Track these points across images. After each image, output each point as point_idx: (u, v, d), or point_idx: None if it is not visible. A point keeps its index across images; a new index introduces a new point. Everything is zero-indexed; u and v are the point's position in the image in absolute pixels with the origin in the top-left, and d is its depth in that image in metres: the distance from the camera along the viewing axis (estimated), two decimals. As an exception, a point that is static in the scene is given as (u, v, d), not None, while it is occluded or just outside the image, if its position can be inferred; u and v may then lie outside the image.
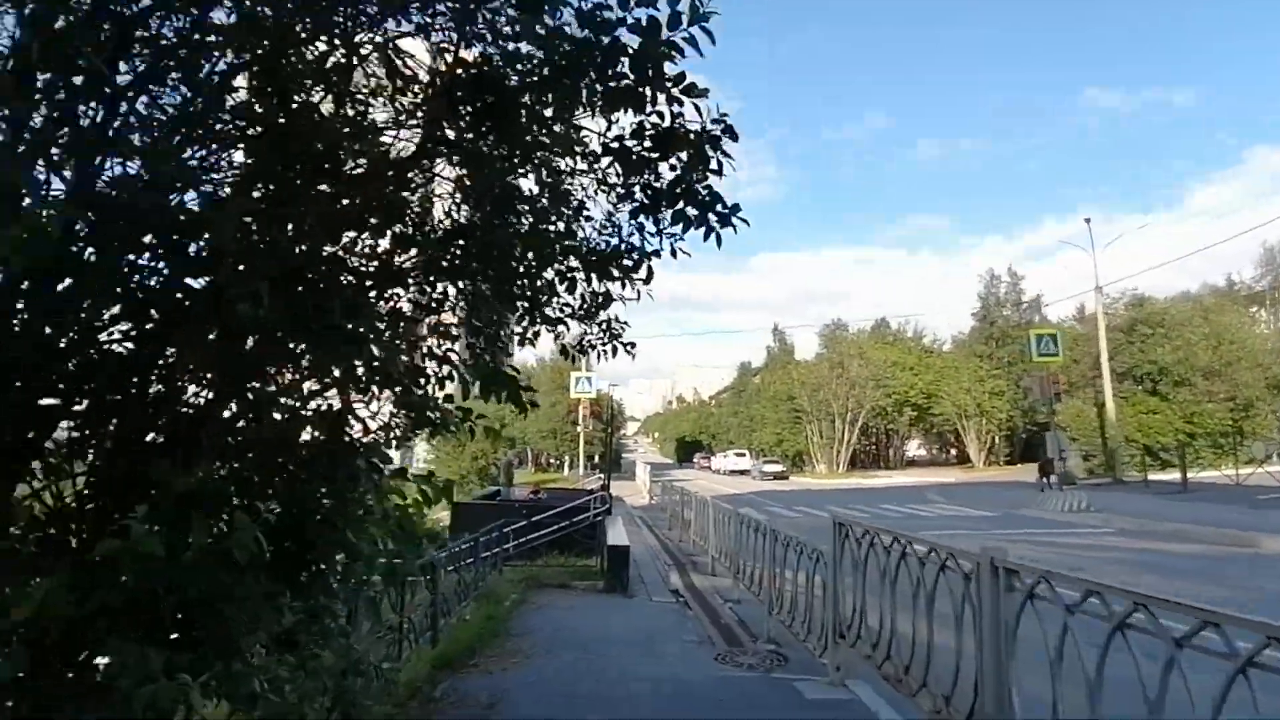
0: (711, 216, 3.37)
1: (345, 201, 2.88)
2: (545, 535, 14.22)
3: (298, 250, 2.46)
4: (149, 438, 2.81)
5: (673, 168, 3.24)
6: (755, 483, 46.51)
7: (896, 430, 61.35)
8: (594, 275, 4.10)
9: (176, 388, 2.75)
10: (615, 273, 3.87)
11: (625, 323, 5.58)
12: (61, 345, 2.43)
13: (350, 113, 3.59)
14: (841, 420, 57.08)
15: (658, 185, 3.35)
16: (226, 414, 2.79)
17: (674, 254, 3.98)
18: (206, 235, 2.21)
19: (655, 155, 3.21)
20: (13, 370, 2.34)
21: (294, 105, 2.85)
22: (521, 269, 4.18)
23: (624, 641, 7.98)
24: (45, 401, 2.52)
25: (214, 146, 2.72)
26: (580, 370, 37.23)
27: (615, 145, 3.28)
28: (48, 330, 2.35)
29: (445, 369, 4.09)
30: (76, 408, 2.58)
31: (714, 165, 3.26)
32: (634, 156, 3.17)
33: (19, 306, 2.26)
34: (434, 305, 4.12)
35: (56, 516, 2.64)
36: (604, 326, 5.54)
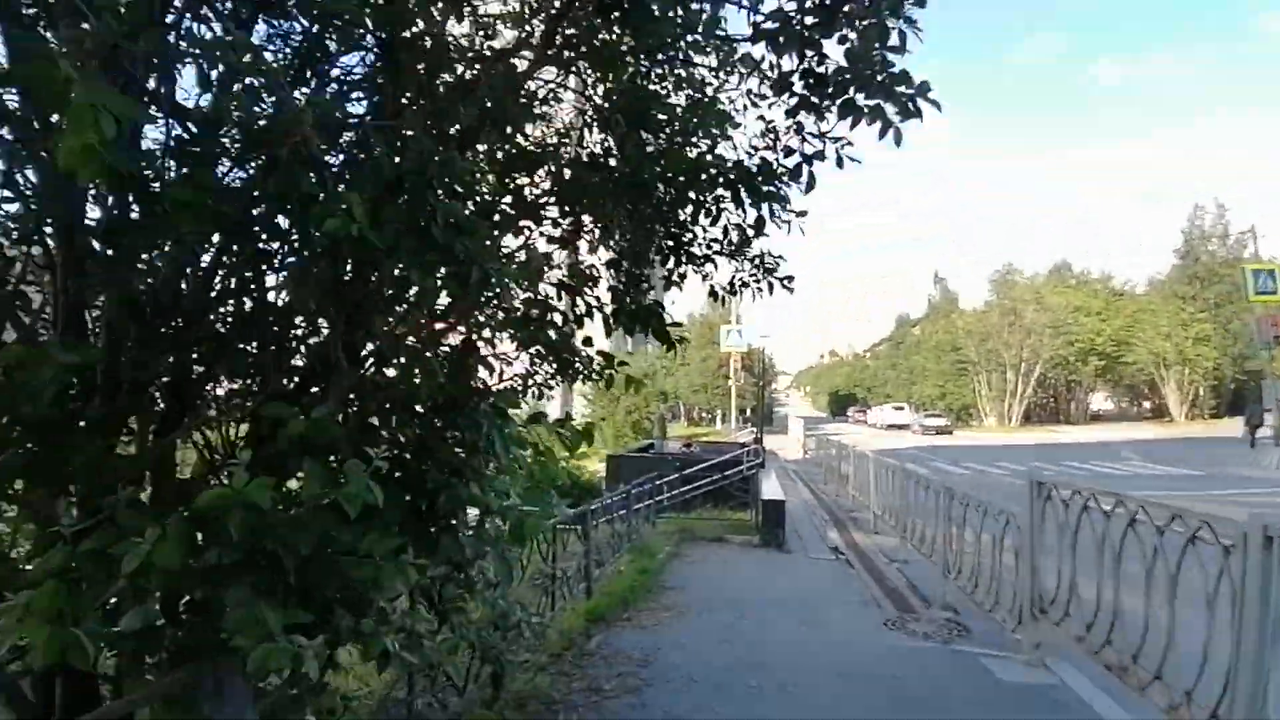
0: (889, 107, 2.70)
1: (457, 111, 2.53)
2: (698, 488, 13.97)
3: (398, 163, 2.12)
4: (281, 383, 2.66)
5: (843, 40, 2.61)
6: (916, 437, 44.16)
7: (1079, 381, 56.00)
8: (744, 196, 3.56)
9: (293, 329, 2.56)
10: (768, 190, 3.31)
11: (780, 256, 5.01)
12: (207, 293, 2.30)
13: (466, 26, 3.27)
14: (1014, 371, 52.87)
15: (821, 71, 2.75)
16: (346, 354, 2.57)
17: (840, 162, 3.36)
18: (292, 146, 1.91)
19: (819, 31, 2.59)
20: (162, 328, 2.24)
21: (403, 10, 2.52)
22: (662, 192, 3.72)
23: (782, 600, 7.53)
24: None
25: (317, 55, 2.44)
26: (731, 323, 36.63)
27: (768, 25, 2.69)
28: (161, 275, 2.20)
29: (581, 305, 3.74)
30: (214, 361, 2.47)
31: (894, 40, 2.61)
32: (793, 27, 2.56)
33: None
34: (566, 238, 3.76)
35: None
36: (756, 262, 5.01)
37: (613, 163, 3.57)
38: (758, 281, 4.90)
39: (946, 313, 60.67)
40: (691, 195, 3.81)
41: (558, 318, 3.77)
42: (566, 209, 3.78)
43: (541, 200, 3.81)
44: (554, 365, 3.91)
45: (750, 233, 4.50)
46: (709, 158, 3.33)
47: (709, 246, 4.97)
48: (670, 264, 5.06)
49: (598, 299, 3.71)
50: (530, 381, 3.91)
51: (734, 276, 4.98)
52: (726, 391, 41.81)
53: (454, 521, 2.57)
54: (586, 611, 6.22)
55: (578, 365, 3.97)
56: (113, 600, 2.03)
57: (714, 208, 4.19)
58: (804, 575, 9.07)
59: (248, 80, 1.82)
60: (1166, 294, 51.38)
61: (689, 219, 4.76)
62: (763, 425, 24.36)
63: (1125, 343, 51.11)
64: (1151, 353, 49.33)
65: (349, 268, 2.25)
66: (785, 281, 4.92)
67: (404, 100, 2.53)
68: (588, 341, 3.86)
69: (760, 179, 3.26)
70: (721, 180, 3.40)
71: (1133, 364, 51.74)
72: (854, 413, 70.62)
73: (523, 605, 4.99)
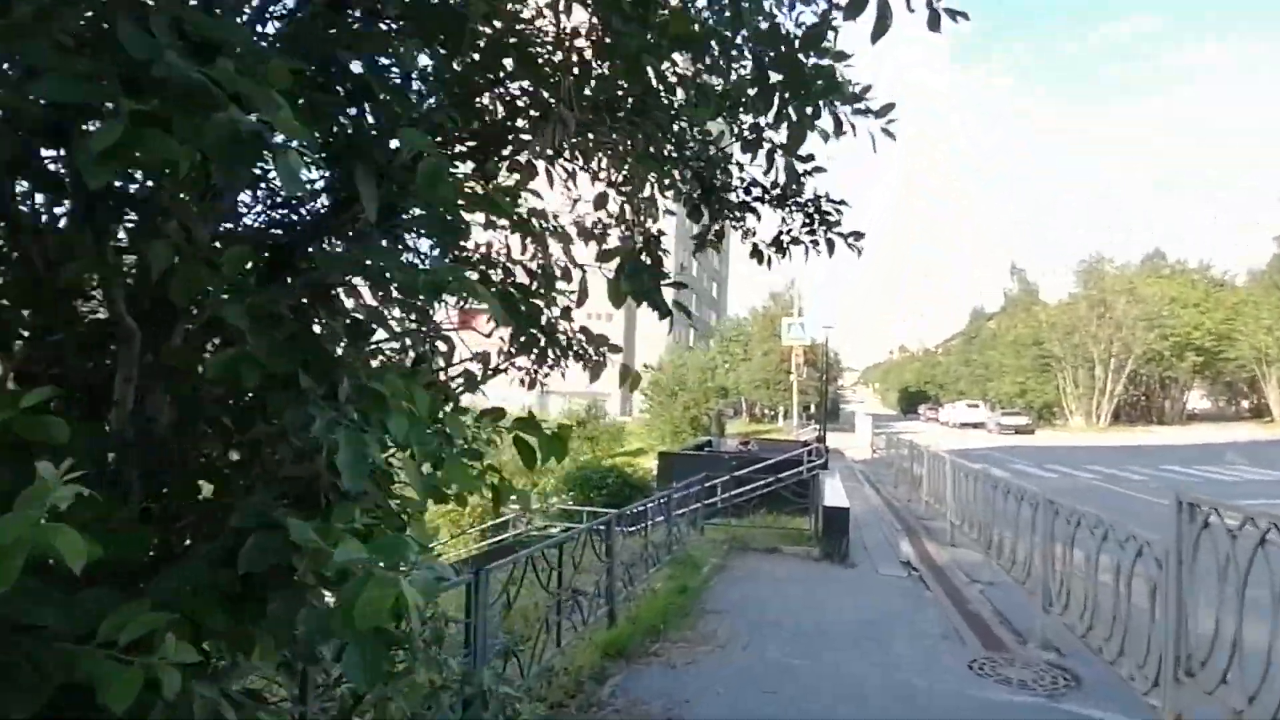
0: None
1: None
2: (754, 491, 12.83)
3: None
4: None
5: None
6: (993, 436, 41.64)
7: (1174, 378, 52.12)
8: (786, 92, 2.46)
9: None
10: (810, 61, 2.21)
11: (841, 202, 3.88)
12: None
13: None
14: (1103, 367, 49.53)
15: None
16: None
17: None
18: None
19: None
20: None
21: None
22: (667, 91, 2.68)
23: (844, 630, 6.37)
24: None
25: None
26: (793, 314, 35.12)
27: None
28: None
29: (558, 255, 2.74)
30: None
31: None
32: None
33: None
34: (525, 166, 2.74)
35: None
36: (810, 210, 3.89)
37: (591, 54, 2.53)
38: (812, 233, 3.80)
39: (1026, 305, 57.35)
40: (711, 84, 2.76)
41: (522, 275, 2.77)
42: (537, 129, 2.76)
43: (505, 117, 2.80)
44: (518, 344, 2.92)
45: (800, 169, 3.41)
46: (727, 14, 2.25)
47: (747, 191, 3.90)
48: (703, 219, 4.01)
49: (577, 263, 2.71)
50: (491, 366, 2.95)
51: (781, 230, 3.89)
52: (789, 387, 40.25)
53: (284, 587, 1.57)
54: (605, 643, 5.21)
55: (549, 344, 2.97)
56: None
57: (745, 115, 3.12)
58: (871, 596, 7.85)
59: None
60: (1267, 285, 47.26)
61: (714, 145, 3.69)
62: (826, 423, 22.91)
63: (1226, 337, 47.23)
64: (1252, 347, 45.43)
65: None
66: (851, 239, 3.82)
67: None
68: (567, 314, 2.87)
69: (805, 47, 2.16)
70: (750, 57, 2.32)
71: (1234, 359, 47.79)
72: (925, 410, 67.67)
73: (514, 645, 4.03)
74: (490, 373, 3.17)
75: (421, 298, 1.86)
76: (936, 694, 4.96)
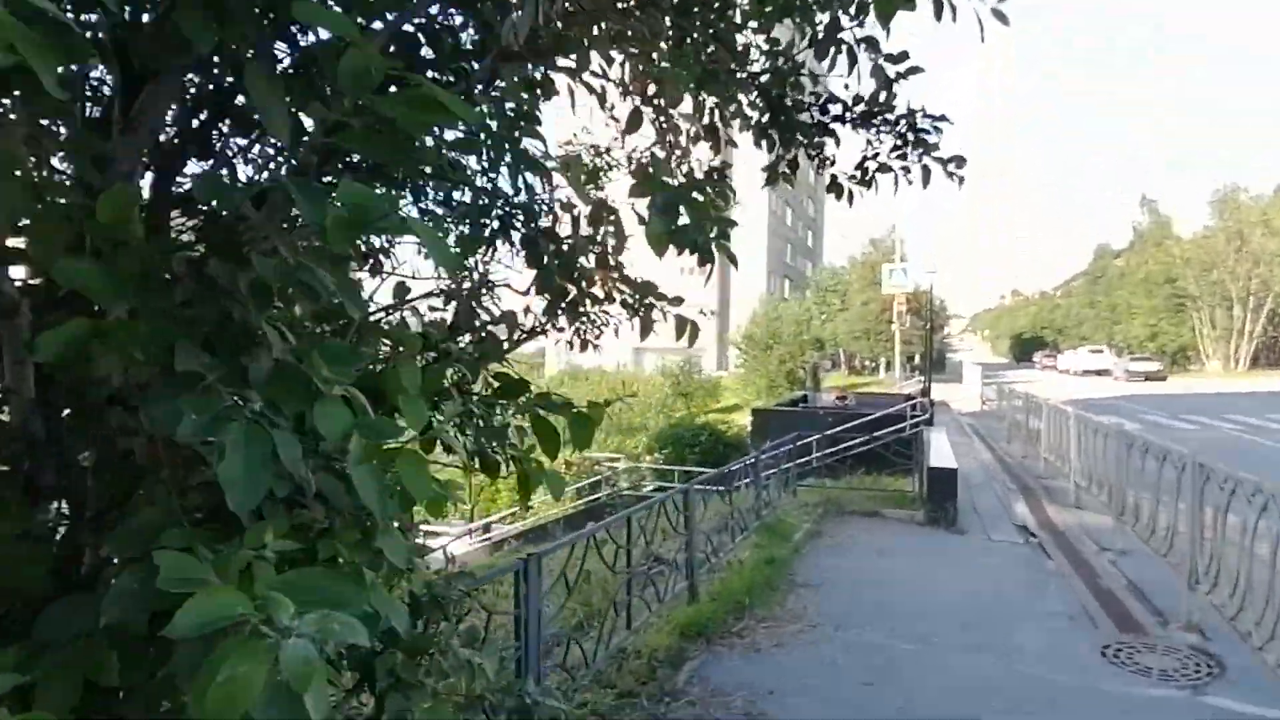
0: None
1: None
2: (851, 449, 12.12)
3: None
4: None
5: None
6: (1120, 384, 38.59)
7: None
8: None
9: None
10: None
11: (941, 117, 3.22)
12: None
13: None
14: (1241, 305, 44.98)
15: None
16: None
17: None
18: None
19: None
20: None
21: None
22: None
23: (954, 608, 5.75)
24: None
25: None
26: (893, 262, 33.32)
27: None
28: None
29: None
30: None
31: None
32: None
33: None
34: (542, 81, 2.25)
35: None
36: (902, 129, 3.26)
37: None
38: (903, 159, 3.16)
39: (1158, 240, 52.46)
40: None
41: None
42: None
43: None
44: (548, 299, 2.50)
45: (892, 72, 2.80)
46: None
47: (823, 110, 3.28)
48: (771, 145, 3.42)
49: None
50: (525, 329, 2.55)
51: (866, 156, 3.27)
52: (890, 337, 38.40)
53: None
54: (683, 623, 4.81)
55: (584, 296, 2.52)
56: None
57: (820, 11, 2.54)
58: (984, 568, 7.14)
59: None
60: None
61: (783, 55, 3.09)
62: (931, 374, 21.59)
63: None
64: None
65: None
66: (952, 165, 3.17)
67: None
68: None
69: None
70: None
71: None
72: (1042, 358, 63.60)
73: (574, 633, 3.68)
74: (522, 336, 2.77)
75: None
76: (1063, 688, 4.32)
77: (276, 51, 1.49)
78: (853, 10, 2.55)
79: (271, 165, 1.61)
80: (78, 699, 1.19)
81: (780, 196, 59.86)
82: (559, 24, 1.97)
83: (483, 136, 2.10)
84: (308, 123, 1.35)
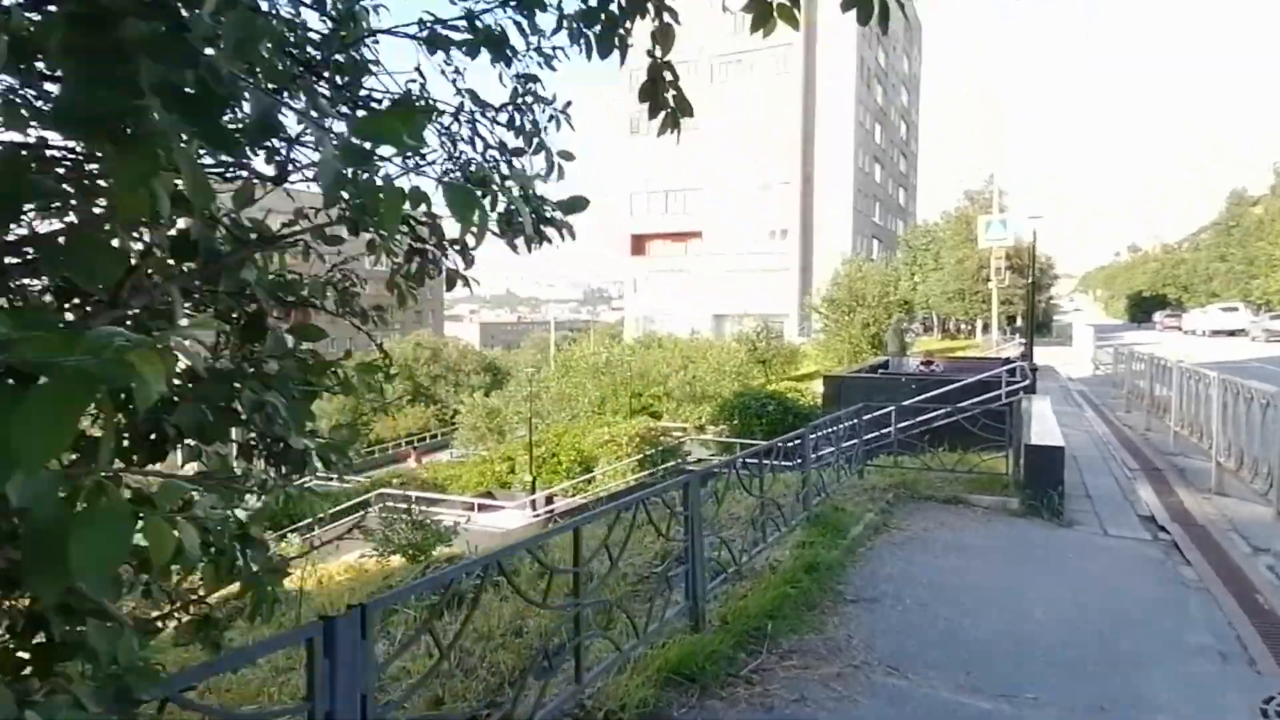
0: None
1: None
2: (934, 421, 10.46)
3: None
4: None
5: None
6: (1258, 346, 34.34)
7: None
8: None
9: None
10: None
11: None
12: None
13: None
14: None
15: None
16: None
17: None
18: None
19: None
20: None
21: None
22: None
23: (1056, 641, 4.26)
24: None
25: None
26: (992, 213, 30.36)
27: None
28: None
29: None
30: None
31: None
32: None
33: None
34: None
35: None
36: None
37: None
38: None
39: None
40: None
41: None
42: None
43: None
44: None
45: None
46: None
47: None
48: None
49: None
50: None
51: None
52: (987, 297, 35.21)
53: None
54: (673, 662, 3.54)
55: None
56: None
57: None
58: (1097, 576, 5.56)
59: None
60: None
61: None
62: (1033, 335, 19.22)
63: None
64: None
65: None
66: None
67: None
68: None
69: None
70: None
71: None
72: (1164, 318, 57.95)
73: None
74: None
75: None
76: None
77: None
78: None
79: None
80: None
81: (867, 153, 56.49)
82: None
83: None
84: None
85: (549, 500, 19.54)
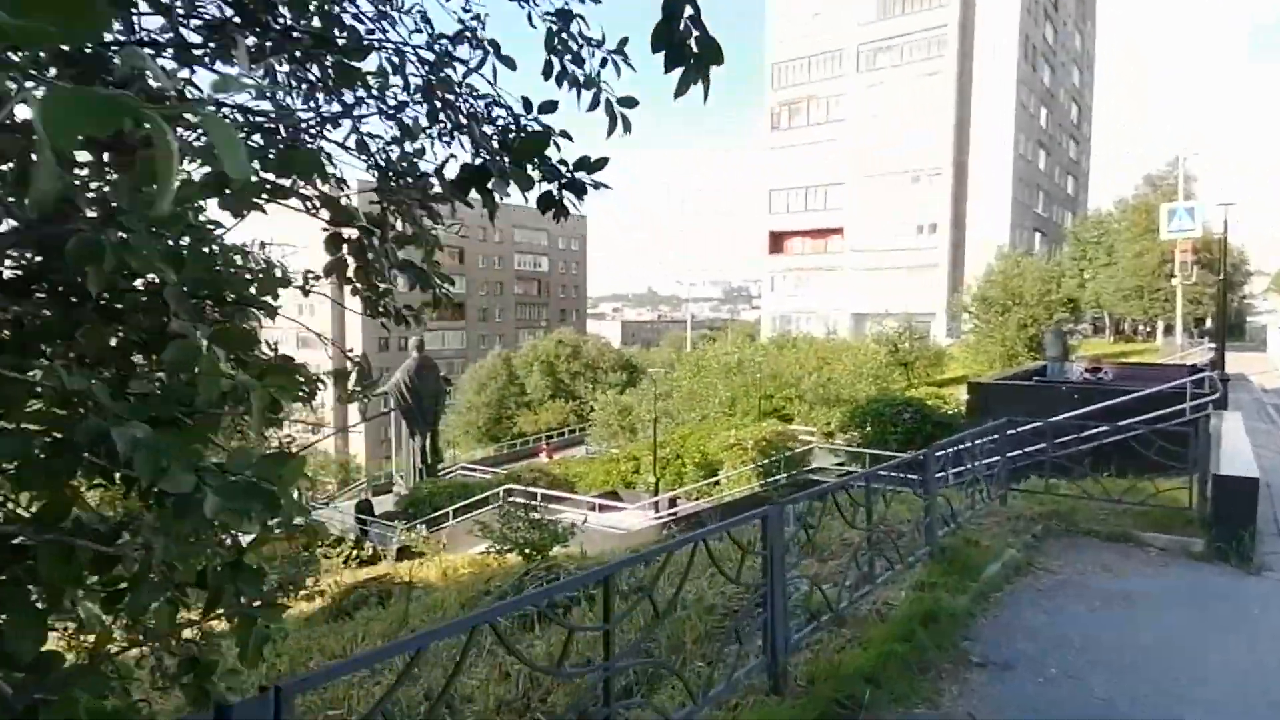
0: None
1: None
2: (1096, 439, 9.09)
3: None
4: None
5: None
6: None
7: None
8: None
9: None
10: None
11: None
12: None
13: None
14: None
15: None
16: None
17: None
18: None
19: None
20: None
21: None
22: None
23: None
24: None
25: None
26: (1177, 199, 26.87)
27: None
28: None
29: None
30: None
31: None
32: None
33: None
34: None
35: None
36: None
37: None
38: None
39: None
40: None
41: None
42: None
43: None
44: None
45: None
46: None
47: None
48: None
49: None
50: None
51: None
52: (1169, 296, 31.23)
53: None
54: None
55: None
56: None
57: None
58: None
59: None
60: None
61: None
62: (1224, 340, 16.70)
63: None
64: None
65: None
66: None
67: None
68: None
69: None
70: None
71: None
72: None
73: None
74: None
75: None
76: None
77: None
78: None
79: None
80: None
81: (1030, 138, 52.11)
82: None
83: None
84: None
85: (672, 503, 19.17)
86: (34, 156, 1.04)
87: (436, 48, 2.29)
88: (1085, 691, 3.69)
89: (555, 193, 2.06)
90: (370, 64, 2.19)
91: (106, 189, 1.52)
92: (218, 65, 1.94)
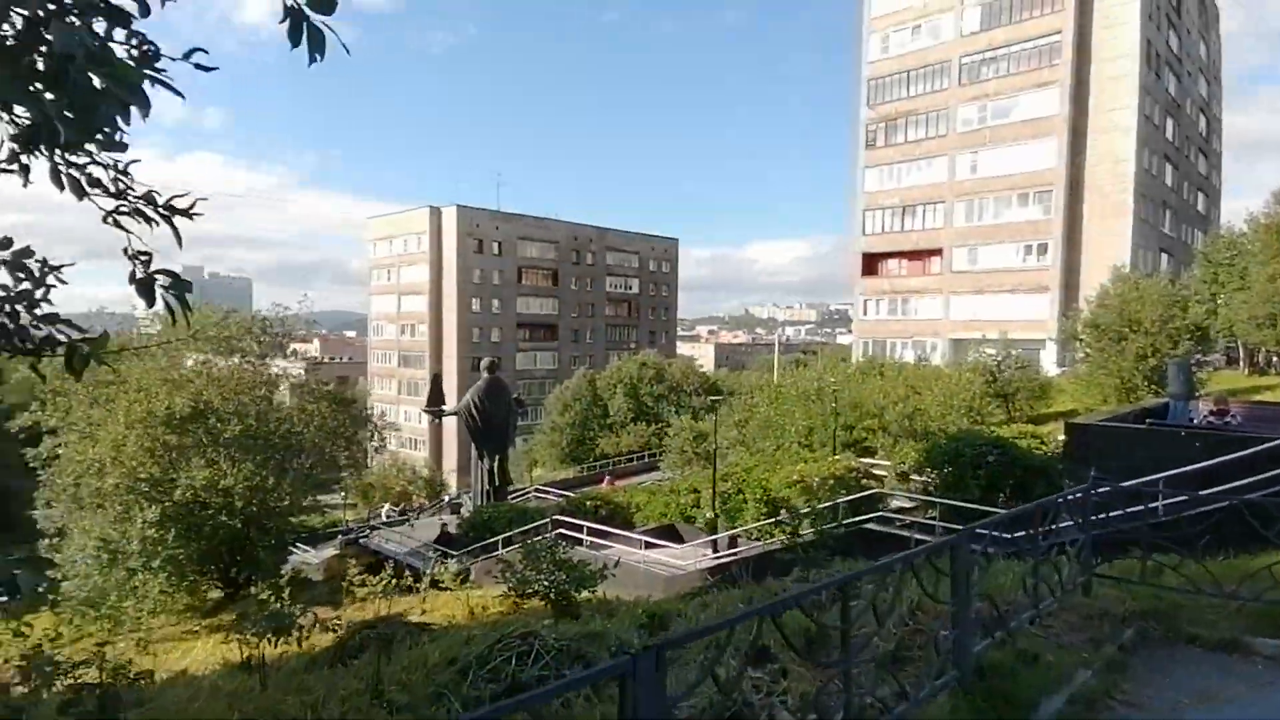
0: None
1: None
2: (1219, 503, 7.30)
3: None
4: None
5: None
6: None
7: None
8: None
9: None
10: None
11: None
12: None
13: None
14: None
15: None
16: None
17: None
18: None
19: None
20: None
21: None
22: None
23: None
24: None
25: None
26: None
27: None
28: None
29: None
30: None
31: None
32: None
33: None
34: None
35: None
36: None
37: None
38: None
39: None
40: None
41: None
42: None
43: None
44: None
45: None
46: None
47: None
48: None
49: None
50: None
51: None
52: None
53: None
54: None
55: None
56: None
57: None
58: None
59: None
60: None
61: None
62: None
63: None
64: None
65: None
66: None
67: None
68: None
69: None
70: None
71: None
72: None
73: None
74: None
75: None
76: None
77: None
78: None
79: None
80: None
81: (1155, 152, 47.76)
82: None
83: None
84: None
85: (732, 543, 17.77)
86: None
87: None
88: None
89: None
90: None
91: None
92: None
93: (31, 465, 19.60)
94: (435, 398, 29.69)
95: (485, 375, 28.58)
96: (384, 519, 35.00)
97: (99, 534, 17.71)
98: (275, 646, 9.37)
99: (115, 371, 19.08)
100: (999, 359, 29.57)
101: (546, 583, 11.29)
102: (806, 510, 16.18)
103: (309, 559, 25.70)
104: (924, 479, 16.08)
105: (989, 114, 48.27)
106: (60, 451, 18.81)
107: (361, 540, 25.85)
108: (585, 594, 11.76)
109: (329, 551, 26.59)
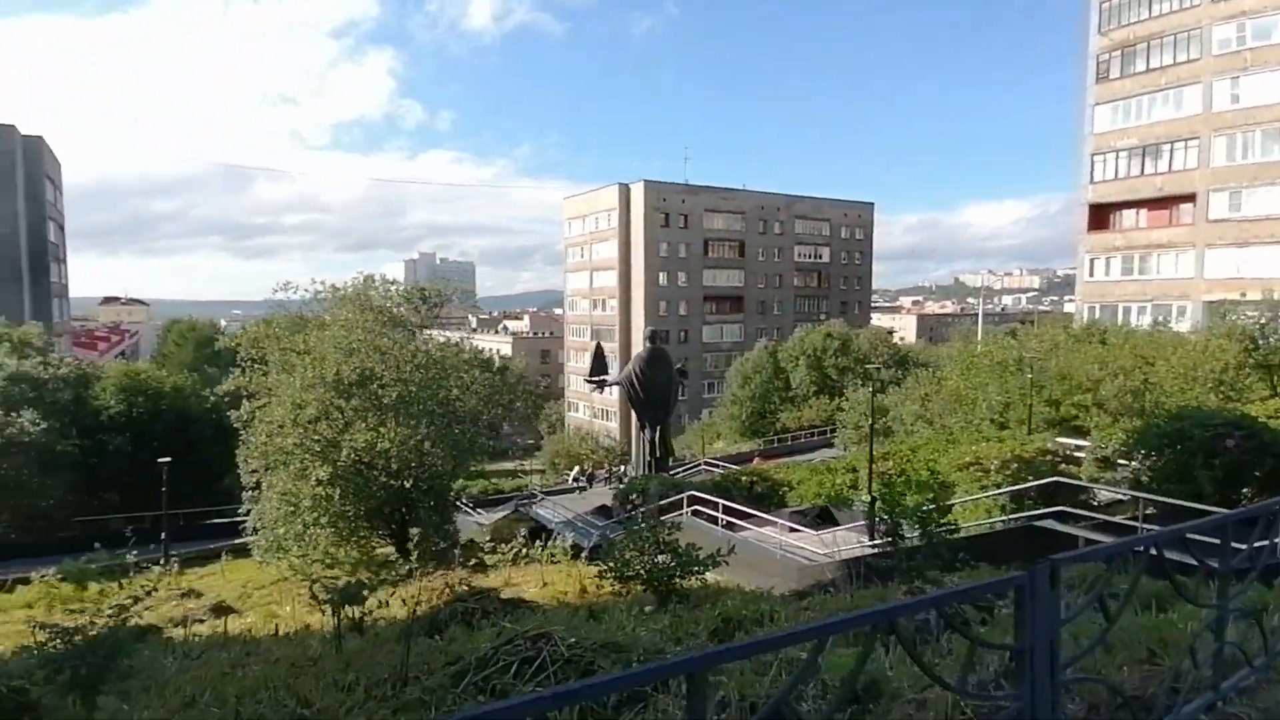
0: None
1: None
2: None
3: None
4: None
5: None
6: None
7: None
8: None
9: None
10: None
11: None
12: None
13: None
14: None
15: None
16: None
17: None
18: None
19: None
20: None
21: None
22: None
23: None
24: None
25: None
26: None
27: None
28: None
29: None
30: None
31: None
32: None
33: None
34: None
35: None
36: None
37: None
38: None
39: None
40: None
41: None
42: None
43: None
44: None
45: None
46: None
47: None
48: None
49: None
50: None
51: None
52: None
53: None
54: None
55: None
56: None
57: None
58: None
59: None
60: None
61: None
62: None
63: None
64: None
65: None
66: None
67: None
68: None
69: None
70: None
71: None
72: None
73: None
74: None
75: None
76: None
77: None
78: None
79: None
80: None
81: None
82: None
83: None
84: None
85: (892, 532, 15.56)
86: None
87: None
88: None
89: None
90: None
91: None
92: None
93: (235, 427, 21.64)
94: (598, 368, 29.60)
95: (646, 345, 27.92)
96: (573, 483, 35.76)
97: (281, 489, 19.16)
98: (359, 616, 9.14)
99: (305, 340, 20.59)
100: (1262, 322, 23.96)
101: (647, 567, 10.20)
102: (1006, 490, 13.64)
103: (481, 520, 26.65)
104: (1135, 465, 12.87)
105: (1251, 32, 39.48)
106: (256, 413, 20.57)
107: (521, 508, 26.31)
108: (695, 580, 10.55)
109: (499, 515, 27.43)
